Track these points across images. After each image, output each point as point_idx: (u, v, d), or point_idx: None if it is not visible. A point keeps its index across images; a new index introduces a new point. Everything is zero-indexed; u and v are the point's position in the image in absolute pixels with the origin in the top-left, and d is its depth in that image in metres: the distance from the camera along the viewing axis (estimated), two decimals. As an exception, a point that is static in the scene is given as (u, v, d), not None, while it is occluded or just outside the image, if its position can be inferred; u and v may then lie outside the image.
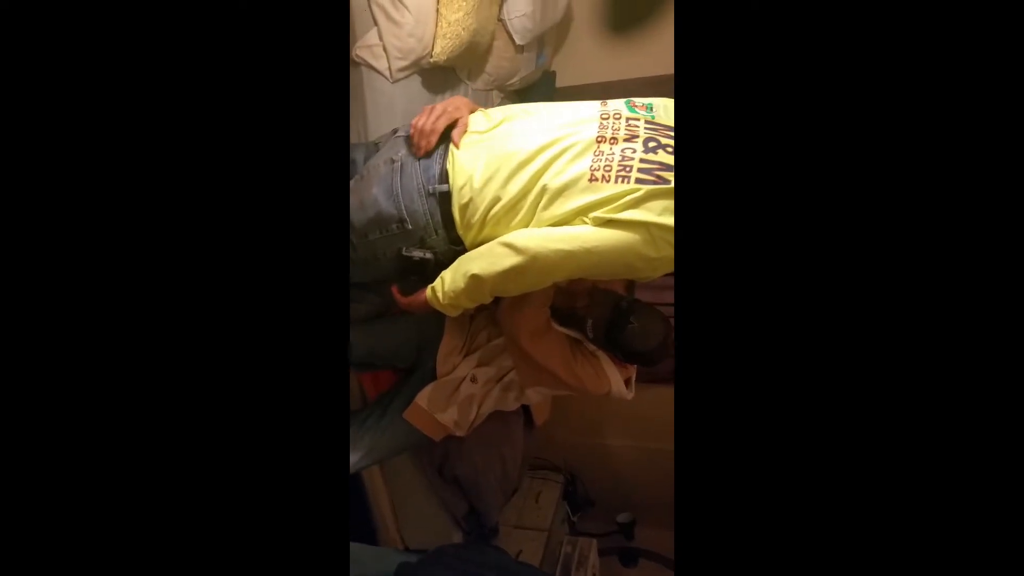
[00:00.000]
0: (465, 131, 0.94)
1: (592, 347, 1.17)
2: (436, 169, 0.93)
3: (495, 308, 1.22)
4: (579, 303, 1.15)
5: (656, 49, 1.85)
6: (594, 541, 1.91)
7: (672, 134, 0.86)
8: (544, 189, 0.86)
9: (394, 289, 0.99)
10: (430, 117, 0.94)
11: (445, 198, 0.91)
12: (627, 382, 1.20)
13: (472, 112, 0.97)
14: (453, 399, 1.21)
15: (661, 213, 0.81)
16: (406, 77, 1.37)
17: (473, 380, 1.22)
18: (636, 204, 0.82)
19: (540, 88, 1.93)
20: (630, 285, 1.28)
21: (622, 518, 2.07)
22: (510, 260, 0.85)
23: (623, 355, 1.17)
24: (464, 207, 0.90)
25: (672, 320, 1.15)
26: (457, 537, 1.53)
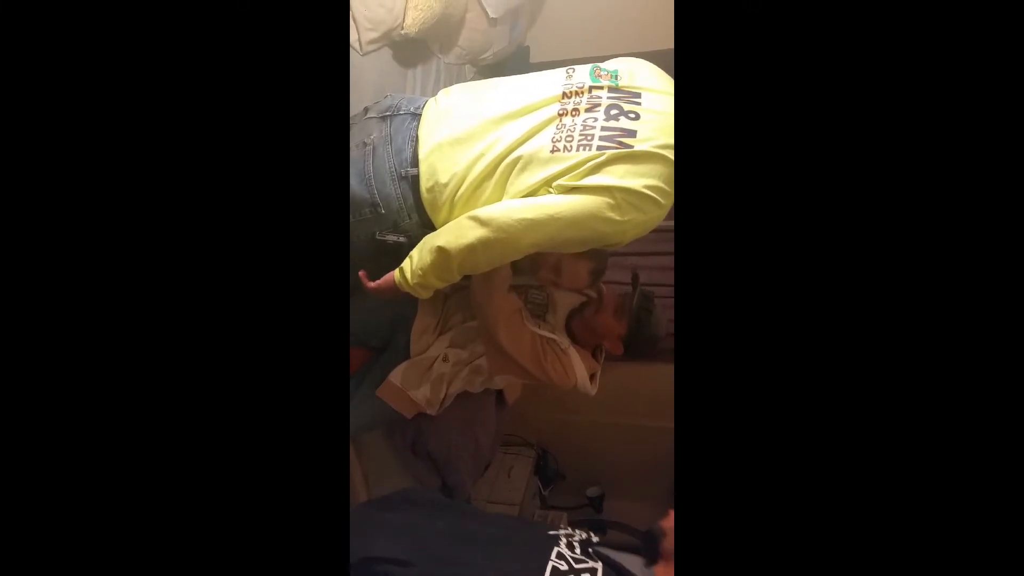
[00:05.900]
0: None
1: (564, 344, 1.19)
2: (408, 152, 0.91)
3: (468, 291, 1.22)
4: (585, 289, 1.17)
5: (635, 24, 1.83)
6: (564, 514, 1.96)
7: (637, 100, 0.87)
8: (508, 166, 0.86)
9: (361, 274, 0.97)
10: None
11: (417, 181, 0.90)
12: (592, 377, 1.22)
13: None
14: (426, 377, 1.22)
15: (623, 176, 0.82)
16: (376, 50, 1.33)
17: (445, 359, 1.22)
18: (598, 169, 0.83)
19: (514, 63, 1.91)
20: (635, 277, 1.28)
21: (591, 492, 2.13)
22: (476, 232, 0.85)
23: (644, 341, 1.21)
24: (431, 189, 0.90)
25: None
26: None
